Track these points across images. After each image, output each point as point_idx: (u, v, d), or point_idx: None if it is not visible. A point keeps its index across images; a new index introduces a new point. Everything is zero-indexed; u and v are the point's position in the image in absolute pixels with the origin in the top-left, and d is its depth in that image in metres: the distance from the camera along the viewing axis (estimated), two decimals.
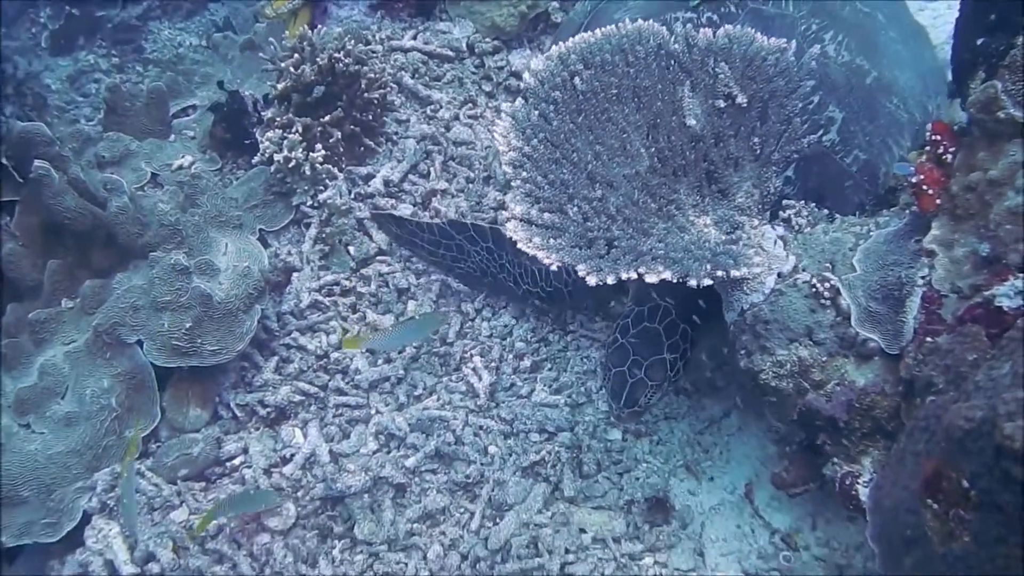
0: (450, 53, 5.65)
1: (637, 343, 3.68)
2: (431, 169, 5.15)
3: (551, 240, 2.96)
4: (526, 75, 3.26)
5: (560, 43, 3.32)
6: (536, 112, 3.23)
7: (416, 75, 5.56)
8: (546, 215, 3.02)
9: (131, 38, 7.46)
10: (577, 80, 3.25)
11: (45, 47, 7.35)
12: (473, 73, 5.62)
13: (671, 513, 3.95)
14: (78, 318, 4.37)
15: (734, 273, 2.89)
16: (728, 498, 3.93)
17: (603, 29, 3.34)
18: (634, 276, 2.84)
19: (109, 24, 7.37)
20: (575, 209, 3.05)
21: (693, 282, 2.84)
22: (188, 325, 4.10)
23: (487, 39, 5.66)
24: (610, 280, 2.84)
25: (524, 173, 3.10)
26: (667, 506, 3.95)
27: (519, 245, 2.94)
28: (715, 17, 3.74)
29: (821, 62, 3.52)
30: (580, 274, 2.87)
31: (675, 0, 3.95)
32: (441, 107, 5.39)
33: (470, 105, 5.45)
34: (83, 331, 4.30)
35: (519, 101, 3.27)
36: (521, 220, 3.01)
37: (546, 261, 2.88)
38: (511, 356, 4.51)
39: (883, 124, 3.74)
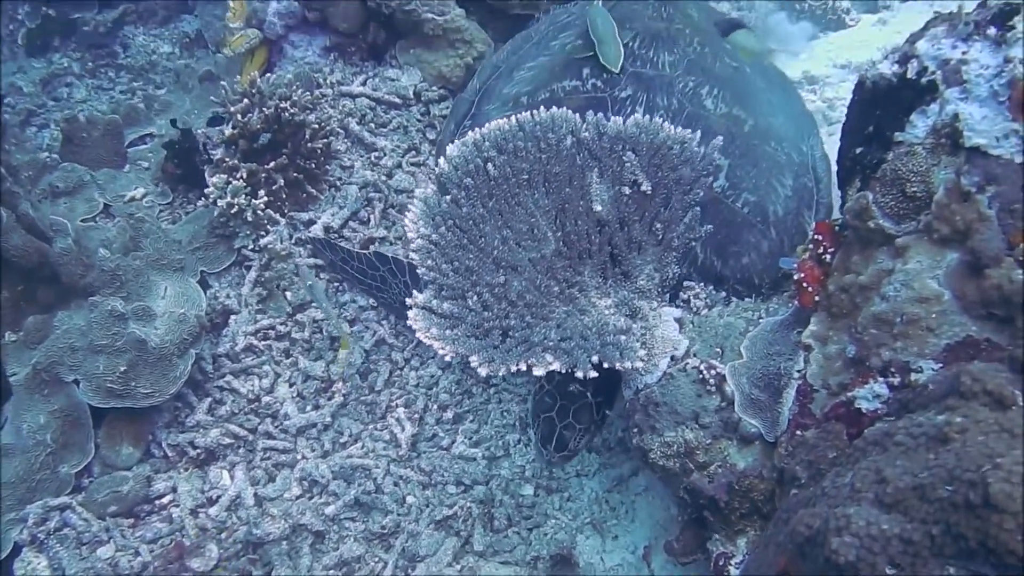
0: (397, 100, 5.80)
1: (563, 390, 3.73)
2: (371, 216, 5.30)
3: (448, 331, 3.12)
4: (441, 161, 3.42)
5: (476, 129, 3.49)
6: (448, 198, 3.40)
7: (363, 121, 5.71)
8: (445, 304, 3.18)
9: (105, 43, 7.51)
10: (490, 166, 3.41)
11: (21, 45, 7.38)
12: (418, 120, 5.77)
13: (576, 570, 4.12)
14: (20, 352, 4.50)
15: (618, 366, 3.06)
16: (628, 558, 4.11)
17: (518, 116, 3.51)
18: (524, 368, 3.01)
19: (84, 27, 7.41)
20: (475, 298, 3.21)
21: (579, 373, 3.01)
22: (123, 368, 4.24)
23: (434, 87, 5.83)
24: (501, 372, 3.01)
25: (430, 261, 3.26)
26: (572, 563, 4.12)
27: (418, 335, 3.10)
28: (599, 83, 3.93)
29: (703, 115, 3.77)
30: (472, 366, 3.03)
31: (559, 72, 4.18)
32: (385, 154, 5.55)
33: (413, 152, 5.61)
34: (25, 364, 4.44)
35: (431, 187, 3.43)
36: (423, 308, 3.17)
37: (441, 352, 3.04)
38: (435, 407, 4.68)
39: (766, 167, 3.95)
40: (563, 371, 3.03)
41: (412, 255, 3.30)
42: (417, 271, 3.29)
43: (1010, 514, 1.76)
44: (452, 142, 3.49)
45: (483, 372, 3.02)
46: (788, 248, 3.89)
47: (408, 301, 3.22)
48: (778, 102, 4.33)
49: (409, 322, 3.16)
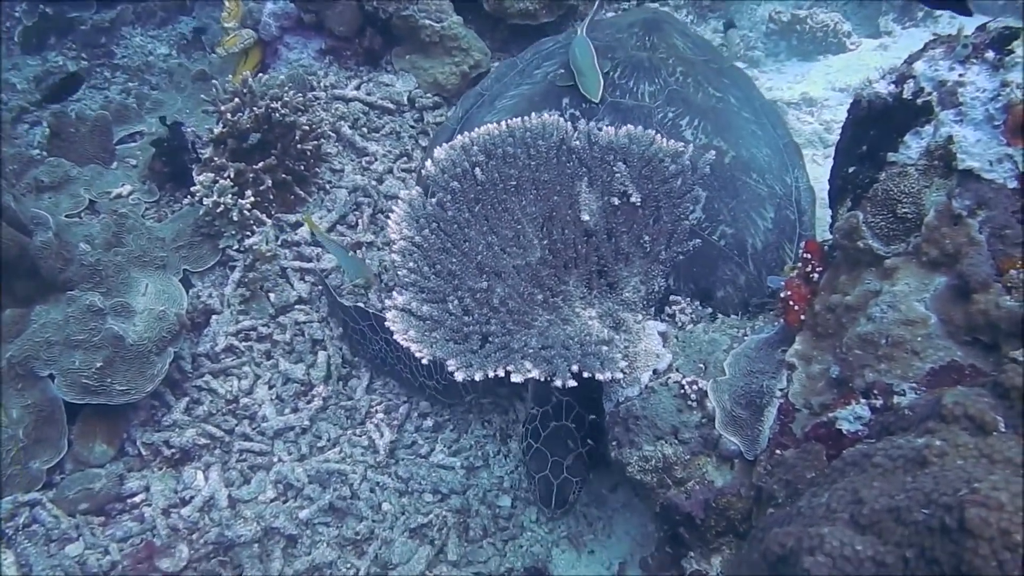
0: (391, 105, 5.78)
1: (552, 444, 3.71)
2: (359, 221, 5.27)
3: (426, 333, 3.08)
4: (428, 164, 3.40)
5: (465, 133, 3.47)
6: (433, 201, 3.37)
7: (355, 125, 5.69)
8: (425, 307, 3.15)
9: (102, 42, 7.49)
10: (478, 171, 3.39)
11: (17, 42, 7.36)
12: (412, 127, 5.76)
13: None
14: None
15: (598, 376, 3.02)
16: (603, 573, 4.06)
17: (509, 121, 3.49)
18: (501, 374, 2.97)
19: (82, 26, 7.38)
20: (456, 301, 3.18)
21: (559, 381, 2.97)
22: (99, 365, 4.19)
23: (428, 94, 5.81)
24: (478, 377, 2.97)
25: (411, 263, 3.23)
26: None
27: (395, 336, 3.07)
28: (577, 113, 3.91)
29: None
30: (449, 369, 2.99)
31: (539, 101, 4.15)
32: (376, 159, 5.52)
33: (405, 159, 5.58)
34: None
35: (416, 189, 3.40)
36: (401, 310, 3.13)
37: (418, 355, 3.01)
38: (415, 414, 4.64)
39: (745, 199, 3.91)
40: (542, 379, 2.99)
41: (394, 256, 3.26)
42: (398, 272, 3.25)
43: (985, 540, 1.73)
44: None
45: (459, 377, 2.98)
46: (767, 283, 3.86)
47: (387, 302, 3.18)
48: (763, 133, 4.30)
49: (387, 323, 3.12)
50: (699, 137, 3.96)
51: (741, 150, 4.02)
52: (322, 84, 5.86)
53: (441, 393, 4.46)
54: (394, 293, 3.21)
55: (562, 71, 4.25)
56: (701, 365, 3.30)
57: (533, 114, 3.51)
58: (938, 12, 6.89)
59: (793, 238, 4.06)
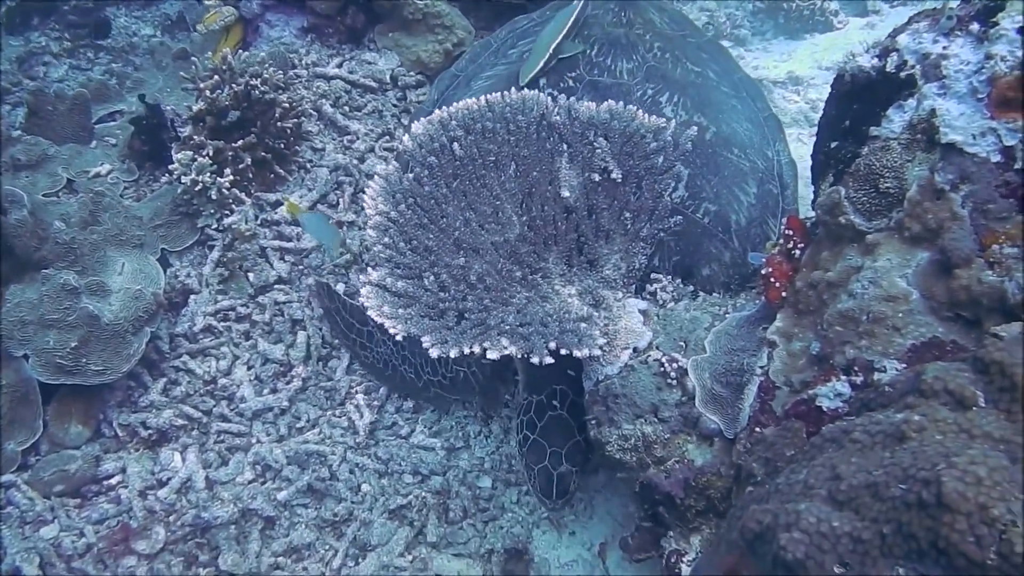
0: (373, 84, 5.72)
1: (549, 434, 3.63)
2: (340, 200, 5.22)
3: (401, 309, 3.04)
4: (405, 138, 3.35)
5: (443, 108, 3.41)
6: (410, 176, 3.32)
7: (337, 103, 5.63)
8: (400, 283, 3.10)
9: (85, 22, 7.36)
10: (456, 146, 3.34)
11: (1, 23, 7.26)
12: (394, 106, 5.70)
13: (529, 565, 4.04)
14: None
15: (576, 353, 2.98)
16: (584, 555, 4.03)
17: (488, 96, 3.44)
18: (477, 350, 2.93)
19: (64, 6, 7.28)
20: (432, 278, 3.13)
21: (536, 359, 2.93)
22: (74, 344, 4.14)
23: (411, 73, 5.75)
24: (453, 353, 2.92)
25: (386, 239, 3.18)
26: (526, 557, 4.04)
27: (369, 312, 3.02)
28: (555, 93, 3.85)
29: None
30: (424, 346, 2.95)
31: (516, 81, 4.06)
32: (358, 138, 5.47)
33: (387, 138, 5.53)
34: None
35: (393, 164, 3.35)
36: (376, 286, 3.08)
37: (392, 331, 2.96)
38: (396, 395, 4.59)
39: (728, 175, 3.87)
40: (519, 356, 2.95)
41: (369, 231, 3.21)
42: (373, 248, 3.20)
43: (963, 514, 1.69)
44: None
45: (434, 353, 2.93)
46: None
47: (361, 278, 3.13)
48: (743, 108, 4.26)
49: (361, 299, 3.07)
50: (679, 113, 3.92)
51: (722, 125, 3.99)
52: (304, 62, 5.79)
53: (448, 389, 4.34)
54: (368, 269, 3.16)
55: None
56: (682, 343, 3.26)
57: (513, 89, 3.46)
58: None
59: (777, 212, 4.02)
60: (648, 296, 3.56)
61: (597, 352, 3.03)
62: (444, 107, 3.46)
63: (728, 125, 4.03)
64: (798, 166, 4.15)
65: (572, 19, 4.10)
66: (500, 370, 3.26)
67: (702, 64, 4.26)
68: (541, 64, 3.94)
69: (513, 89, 3.50)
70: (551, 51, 3.96)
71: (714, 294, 3.59)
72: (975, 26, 2.60)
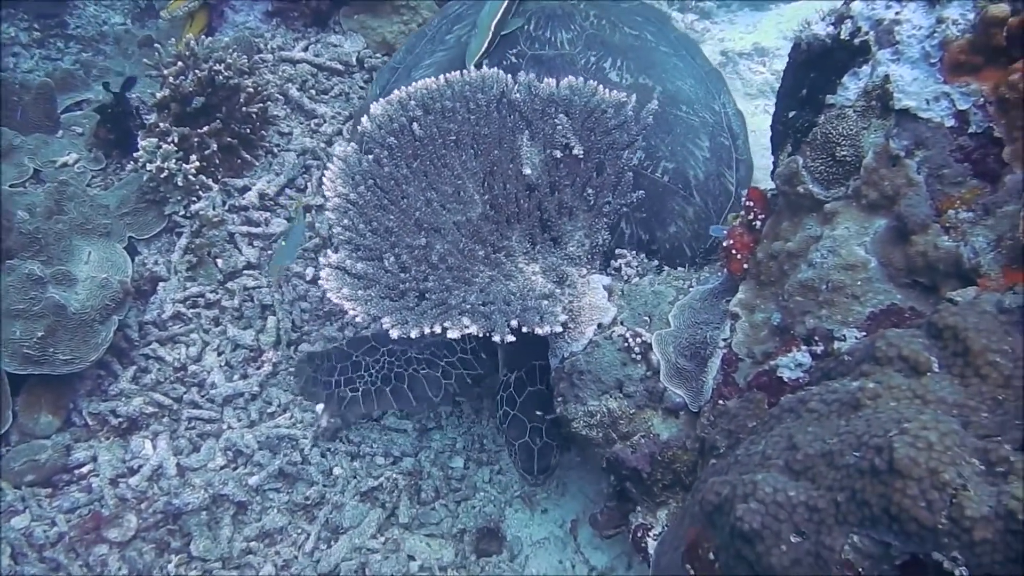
0: (339, 67, 5.69)
1: (528, 410, 3.62)
2: (308, 184, 5.19)
3: (360, 291, 3.02)
4: (364, 119, 3.32)
5: (402, 88, 3.39)
6: (370, 157, 3.30)
7: (303, 87, 5.60)
8: (360, 265, 3.09)
9: (55, 12, 7.30)
10: (416, 126, 3.32)
11: None
12: (361, 88, 5.67)
13: (502, 543, 4.04)
14: None
15: (537, 330, 2.97)
16: (556, 532, 4.04)
17: (447, 75, 3.42)
18: (438, 330, 2.92)
19: None
20: (392, 259, 3.12)
21: (497, 337, 2.92)
22: (40, 334, 4.11)
23: (377, 54, 5.73)
24: (413, 333, 2.91)
25: (346, 220, 3.16)
26: (499, 536, 4.05)
27: (329, 295, 3.00)
28: (500, 71, 3.83)
29: (610, 87, 3.58)
30: (384, 327, 2.93)
31: (458, 65, 3.85)
32: (325, 121, 5.44)
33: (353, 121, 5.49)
34: None
35: (351, 146, 3.33)
36: (336, 268, 3.07)
37: (352, 312, 2.95)
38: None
39: (680, 132, 3.89)
40: (480, 335, 2.94)
41: (328, 214, 3.19)
42: (333, 230, 3.18)
43: (914, 480, 1.70)
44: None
45: (394, 334, 2.92)
46: (714, 211, 3.87)
47: (321, 260, 3.11)
48: (684, 65, 4.29)
49: (321, 282, 3.05)
50: (624, 77, 3.93)
51: (667, 84, 4.01)
52: (269, 46, 5.77)
53: (472, 365, 4.07)
54: (328, 251, 3.15)
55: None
56: (646, 318, 3.26)
57: (472, 67, 3.44)
58: None
59: (731, 164, 4.08)
60: (613, 272, 3.56)
61: (559, 329, 3.03)
62: (402, 87, 3.43)
63: (673, 83, 4.05)
64: (761, 137, 4.15)
65: None
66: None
67: (638, 27, 4.27)
68: (485, 45, 3.90)
69: (472, 67, 3.49)
70: (492, 30, 3.92)
71: (679, 268, 3.58)
72: None
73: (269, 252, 4.93)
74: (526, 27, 4.02)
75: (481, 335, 2.95)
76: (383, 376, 4.11)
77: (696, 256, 3.78)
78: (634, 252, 3.61)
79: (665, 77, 4.05)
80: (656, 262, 3.63)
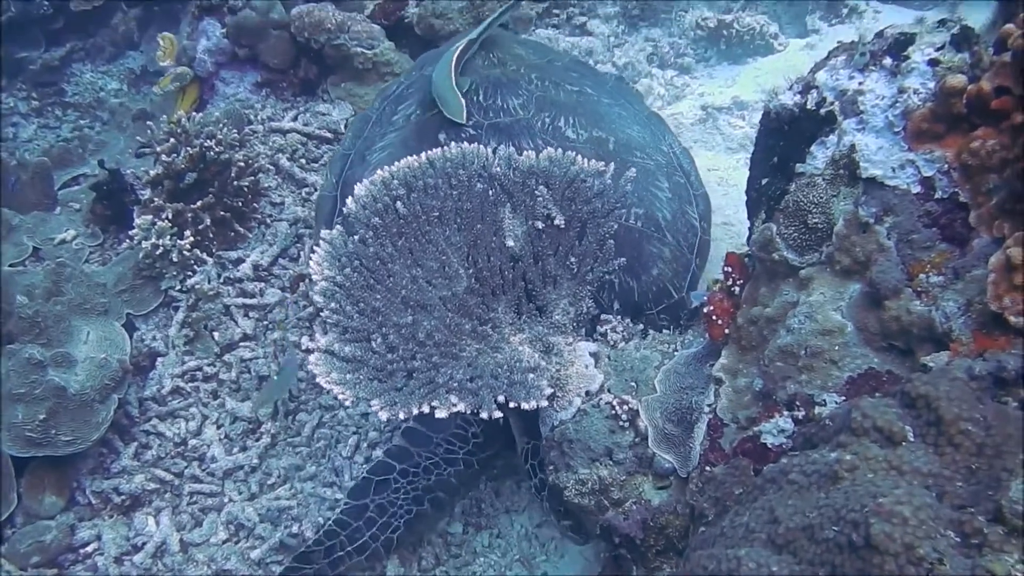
0: (328, 134, 5.79)
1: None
2: (302, 253, 5.26)
3: (349, 375, 3.07)
4: (349, 201, 3.38)
5: (384, 168, 3.45)
6: (355, 238, 3.35)
7: (294, 156, 5.68)
8: (347, 348, 3.13)
9: (52, 80, 7.45)
10: (399, 204, 3.38)
11: None
12: None
13: None
14: None
15: (524, 405, 3.02)
16: None
17: (428, 153, 3.47)
18: (426, 410, 2.96)
19: (31, 66, 7.32)
20: (380, 339, 3.16)
21: (484, 414, 2.97)
22: (42, 417, 4.17)
23: None
24: (402, 415, 2.96)
25: (333, 304, 3.21)
26: None
27: (318, 380, 3.05)
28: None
29: (569, 146, 3.66)
30: (373, 409, 2.98)
31: (415, 144, 4.01)
32: (316, 190, 5.51)
33: None
34: None
35: (338, 228, 3.39)
36: (324, 352, 3.12)
37: (341, 397, 2.99)
38: (365, 445, 4.62)
39: (641, 178, 3.91)
40: (468, 412, 2.99)
41: (315, 298, 3.25)
42: (321, 314, 3.23)
43: (891, 555, 1.74)
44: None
45: (383, 416, 2.96)
46: (685, 247, 3.98)
47: (310, 345, 3.15)
48: (627, 113, 4.39)
49: (310, 366, 3.10)
50: (580, 133, 4.02)
51: (619, 133, 4.12)
52: (259, 117, 5.86)
53: (484, 447, 4.01)
54: (317, 335, 3.20)
55: (421, 109, 4.23)
56: (633, 384, 3.30)
57: (453, 144, 3.51)
58: (863, 7, 6.92)
59: (690, 200, 4.18)
60: (599, 337, 3.61)
61: (544, 403, 3.07)
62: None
63: (624, 132, 4.16)
64: (741, 192, 4.22)
65: (458, 54, 4.20)
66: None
67: (577, 83, 4.37)
68: (462, 100, 3.99)
69: (453, 144, 3.52)
70: (456, 87, 4.02)
71: (664, 332, 3.63)
72: (888, 60, 2.66)
73: (264, 323, 4.99)
74: (476, 98, 4.09)
75: (468, 412, 3.00)
76: (415, 497, 3.94)
77: (682, 306, 3.85)
78: (619, 316, 3.65)
79: (615, 127, 4.15)
80: (641, 326, 3.68)
